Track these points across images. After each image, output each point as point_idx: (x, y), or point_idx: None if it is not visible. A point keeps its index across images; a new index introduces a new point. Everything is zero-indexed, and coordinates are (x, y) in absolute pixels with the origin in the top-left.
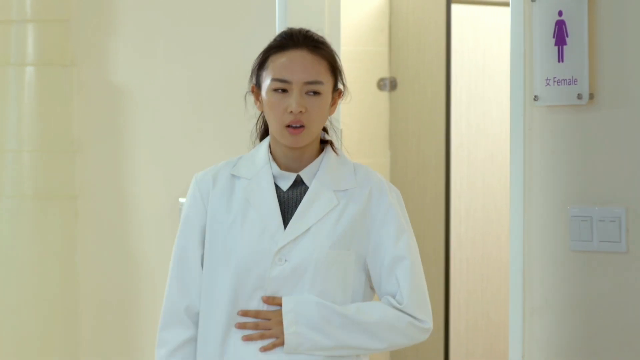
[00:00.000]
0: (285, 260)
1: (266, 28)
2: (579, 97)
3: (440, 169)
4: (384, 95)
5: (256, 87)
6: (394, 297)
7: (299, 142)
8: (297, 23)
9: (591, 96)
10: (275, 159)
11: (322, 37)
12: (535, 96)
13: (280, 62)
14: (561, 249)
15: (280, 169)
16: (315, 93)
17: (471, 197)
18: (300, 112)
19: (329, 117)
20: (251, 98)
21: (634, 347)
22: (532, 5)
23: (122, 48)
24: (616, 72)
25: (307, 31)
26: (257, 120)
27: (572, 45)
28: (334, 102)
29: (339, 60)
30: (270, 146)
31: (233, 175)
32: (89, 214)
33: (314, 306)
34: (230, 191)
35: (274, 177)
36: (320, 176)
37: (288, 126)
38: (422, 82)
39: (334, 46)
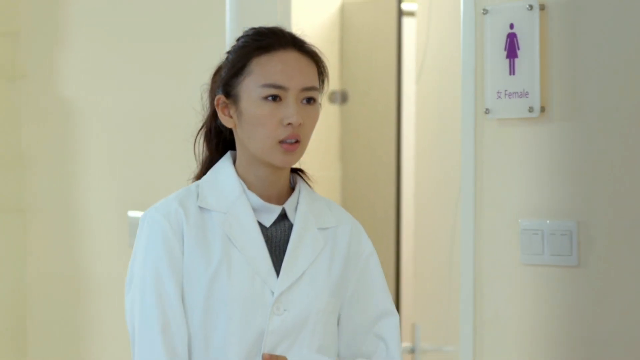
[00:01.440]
0: (284, 310)
1: (216, 43)
2: (531, 110)
3: (391, 183)
4: (335, 108)
5: (226, 99)
6: (369, 358)
7: (292, 161)
8: None
9: (542, 109)
10: (249, 187)
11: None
12: (487, 109)
13: (271, 65)
14: (512, 262)
15: (261, 198)
16: (310, 101)
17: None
18: (300, 124)
19: None
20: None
21: None
22: (483, 17)
23: (72, 62)
24: (567, 85)
25: (288, 31)
26: (199, 139)
27: (524, 58)
28: None
29: (327, 66)
30: (235, 169)
31: (202, 208)
32: (38, 227)
33: None
34: (202, 227)
35: (253, 209)
36: (302, 211)
37: (281, 142)
38: (373, 95)
39: None
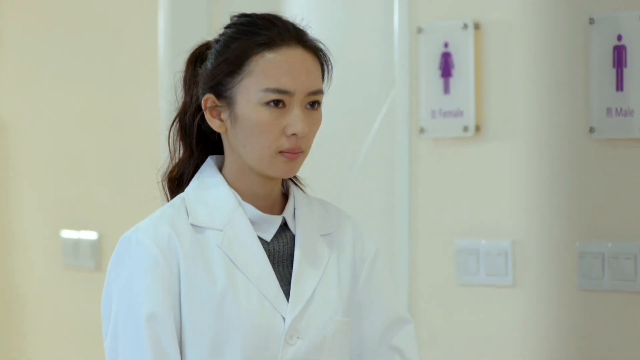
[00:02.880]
0: (298, 338)
1: (149, 57)
2: (465, 129)
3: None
4: None
5: (217, 100)
6: None
7: (293, 171)
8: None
9: (477, 128)
10: (242, 197)
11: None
12: (421, 128)
13: (276, 67)
14: (448, 282)
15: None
16: (315, 105)
17: None
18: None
19: None
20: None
21: None
22: (417, 36)
23: (4, 79)
24: (502, 104)
25: (287, 19)
26: (173, 134)
27: (458, 77)
28: None
29: (332, 63)
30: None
31: (194, 226)
32: None
33: None
34: (199, 250)
35: (251, 222)
36: (301, 218)
37: (281, 152)
38: None
39: None
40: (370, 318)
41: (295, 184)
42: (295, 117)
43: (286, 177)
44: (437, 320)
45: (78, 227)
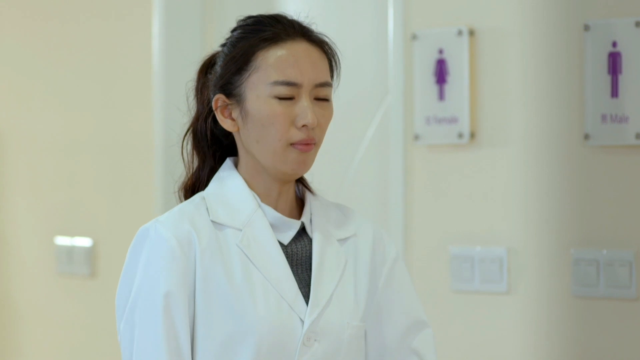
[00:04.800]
0: (315, 341)
1: (143, 68)
2: (460, 136)
3: None
4: None
5: (227, 99)
6: None
7: (306, 166)
8: (178, 64)
9: (472, 135)
10: (261, 199)
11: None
12: (416, 135)
13: (282, 60)
14: (442, 289)
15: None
16: (325, 99)
17: None
18: (315, 125)
19: None
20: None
21: None
22: (412, 43)
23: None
24: (497, 111)
25: (292, 17)
26: (187, 144)
27: (453, 83)
28: None
29: (339, 58)
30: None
31: (214, 223)
32: None
33: None
34: (217, 246)
35: (271, 225)
36: (318, 223)
37: (293, 144)
38: None
39: None
40: (392, 320)
41: (305, 187)
42: (304, 108)
43: (300, 172)
44: (432, 326)
45: (72, 234)
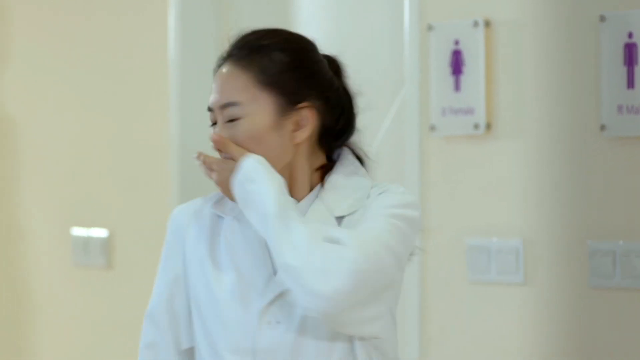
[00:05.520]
0: (278, 322)
1: (159, 61)
2: (476, 127)
3: None
4: None
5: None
6: None
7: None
8: (194, 60)
9: (488, 126)
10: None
11: (274, 37)
12: (432, 126)
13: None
14: (459, 280)
15: None
16: (232, 120)
17: None
18: (217, 141)
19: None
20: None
21: None
22: (428, 34)
23: (12, 78)
24: (513, 102)
25: (253, 32)
26: None
27: (469, 74)
28: (297, 125)
29: (304, 62)
30: None
31: (216, 214)
32: None
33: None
34: (212, 232)
35: None
36: (318, 202)
37: None
38: None
39: None
40: None
41: (356, 157)
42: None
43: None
44: (448, 317)
45: (88, 225)
